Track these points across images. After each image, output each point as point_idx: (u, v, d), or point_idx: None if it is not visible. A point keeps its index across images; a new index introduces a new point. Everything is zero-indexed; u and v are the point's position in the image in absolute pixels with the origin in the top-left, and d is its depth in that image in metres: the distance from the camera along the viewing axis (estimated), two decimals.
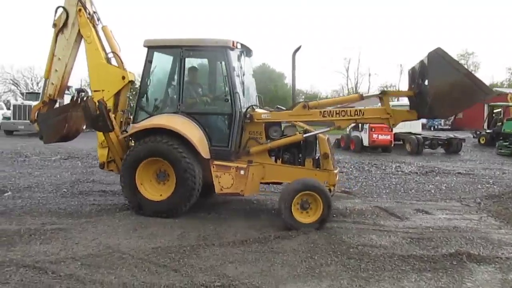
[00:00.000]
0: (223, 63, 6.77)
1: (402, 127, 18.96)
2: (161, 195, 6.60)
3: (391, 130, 17.84)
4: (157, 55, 7.04)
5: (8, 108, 30.53)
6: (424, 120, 31.20)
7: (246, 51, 7.39)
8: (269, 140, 6.72)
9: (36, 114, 7.42)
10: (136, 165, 6.63)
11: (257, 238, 5.52)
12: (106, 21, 7.49)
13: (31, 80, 53.31)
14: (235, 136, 6.59)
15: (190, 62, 7.23)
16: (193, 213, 6.78)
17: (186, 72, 6.92)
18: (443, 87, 5.84)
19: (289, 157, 6.82)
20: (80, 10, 7.14)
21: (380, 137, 17.77)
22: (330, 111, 6.56)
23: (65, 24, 7.27)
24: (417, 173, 12.17)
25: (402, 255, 5.05)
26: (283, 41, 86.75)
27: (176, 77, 6.93)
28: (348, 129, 20.10)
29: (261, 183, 6.92)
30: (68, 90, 24.56)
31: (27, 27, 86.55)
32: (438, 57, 5.86)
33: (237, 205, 7.56)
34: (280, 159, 6.82)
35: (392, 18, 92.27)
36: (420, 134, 19.37)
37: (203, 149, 6.54)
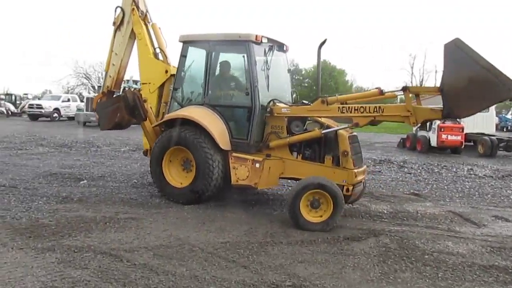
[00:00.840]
0: (245, 56, 6.86)
1: (474, 127, 17.94)
2: (182, 182, 7.02)
3: (462, 131, 17.00)
4: (190, 50, 7.37)
5: (82, 101, 32.47)
6: (496, 120, 29.32)
7: (279, 46, 7.44)
8: (289, 135, 6.68)
9: (96, 103, 8.27)
10: (163, 153, 7.13)
11: (326, 239, 5.39)
12: (157, 18, 8.21)
13: (102, 74, 56.11)
14: (254, 129, 6.73)
15: (224, 56, 7.50)
16: (258, 210, 6.80)
17: (213, 66, 7.23)
18: (459, 82, 5.32)
19: (310, 154, 6.68)
20: (133, 9, 7.86)
21: (450, 137, 16.83)
22: (348, 107, 6.31)
23: (121, 22, 8.06)
24: (492, 176, 11.41)
25: (483, 265, 4.72)
26: (346, 39, 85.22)
27: (203, 70, 7.19)
28: (414, 129, 19.29)
29: (281, 178, 6.89)
30: (136, 84, 25.66)
31: (100, 25, 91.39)
32: (456, 49, 5.28)
33: None
34: (301, 155, 6.70)
35: (462, 14, 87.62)
36: (493, 135, 18.17)
37: (222, 140, 6.79)
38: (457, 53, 5.29)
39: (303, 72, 62.78)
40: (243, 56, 6.93)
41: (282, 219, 6.26)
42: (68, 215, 6.02)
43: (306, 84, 60.30)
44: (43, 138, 17.31)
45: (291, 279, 4.15)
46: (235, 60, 7.45)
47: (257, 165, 6.60)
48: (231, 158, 6.77)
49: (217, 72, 7.42)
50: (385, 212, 6.99)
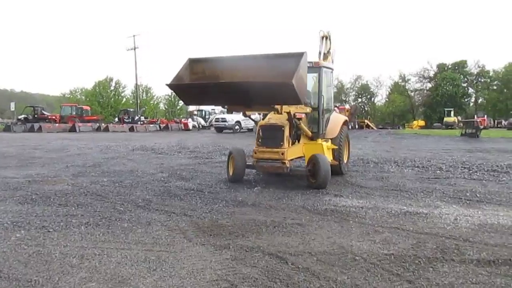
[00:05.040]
0: None
1: None
2: None
3: None
4: None
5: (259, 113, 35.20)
6: None
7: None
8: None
9: None
10: None
11: (509, 260, 4.74)
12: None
13: None
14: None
15: None
16: (428, 223, 6.37)
17: None
18: None
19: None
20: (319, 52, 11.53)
21: None
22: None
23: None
24: None
25: None
26: None
27: None
28: None
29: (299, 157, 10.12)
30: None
31: None
32: None
33: (482, 219, 6.69)
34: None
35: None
36: None
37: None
38: None
39: (490, 74, 56.28)
40: None
41: (455, 235, 5.74)
42: (243, 217, 6.62)
43: (495, 87, 53.84)
44: (226, 148, 19.29)
45: None
46: None
47: None
48: None
49: None
50: None
